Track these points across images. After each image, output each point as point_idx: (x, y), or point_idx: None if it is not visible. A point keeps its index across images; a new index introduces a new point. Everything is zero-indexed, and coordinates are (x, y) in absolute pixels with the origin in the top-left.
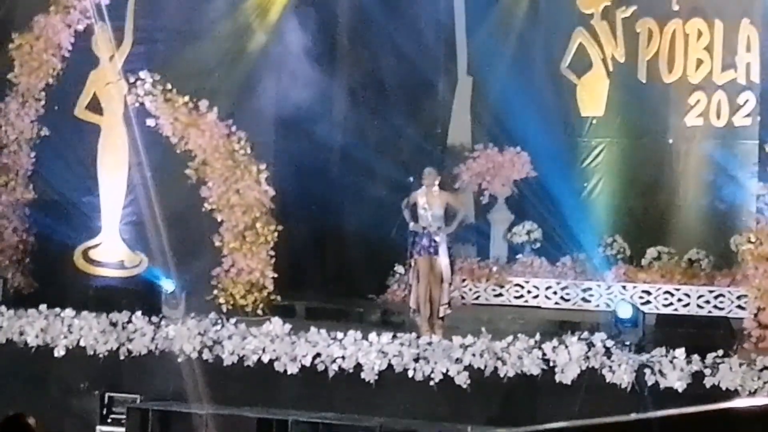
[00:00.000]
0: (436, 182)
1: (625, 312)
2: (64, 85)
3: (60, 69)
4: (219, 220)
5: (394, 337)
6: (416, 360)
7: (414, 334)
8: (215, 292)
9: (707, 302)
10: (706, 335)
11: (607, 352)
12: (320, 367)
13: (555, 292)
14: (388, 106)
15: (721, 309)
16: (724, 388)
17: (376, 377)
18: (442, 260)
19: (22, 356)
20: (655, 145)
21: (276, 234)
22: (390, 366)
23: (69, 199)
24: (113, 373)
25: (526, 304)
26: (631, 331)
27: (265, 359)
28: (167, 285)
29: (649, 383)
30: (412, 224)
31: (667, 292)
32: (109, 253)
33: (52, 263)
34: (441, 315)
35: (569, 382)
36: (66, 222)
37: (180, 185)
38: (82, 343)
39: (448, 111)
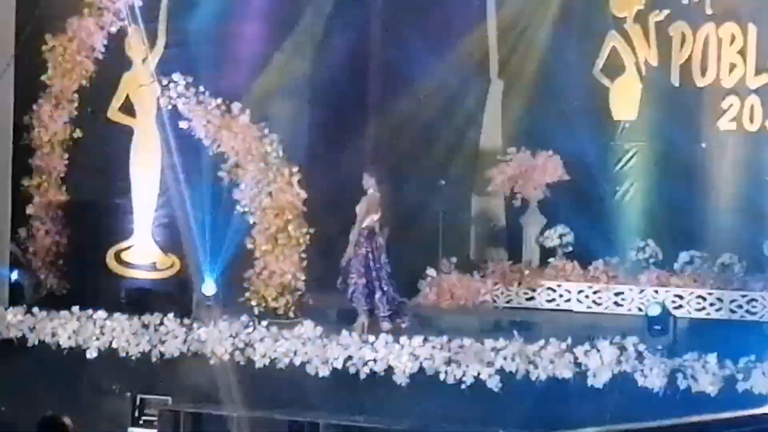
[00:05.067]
0: None
1: (654, 310)
2: (97, 87)
3: (93, 71)
4: (251, 222)
5: (426, 340)
6: (448, 363)
7: (445, 337)
8: (247, 294)
9: (740, 307)
10: (739, 340)
11: (639, 357)
12: (351, 370)
13: (587, 296)
14: (421, 109)
15: (754, 314)
16: (756, 393)
17: (408, 380)
18: None
19: (55, 358)
20: (688, 150)
21: (308, 237)
22: (421, 369)
23: (101, 201)
24: (145, 375)
25: (557, 307)
26: (663, 336)
27: (297, 362)
28: (199, 287)
29: (681, 388)
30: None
31: (699, 296)
32: (142, 255)
33: (85, 265)
34: None
35: (601, 386)
36: (98, 224)
37: (212, 187)
38: (114, 345)
39: (480, 114)
